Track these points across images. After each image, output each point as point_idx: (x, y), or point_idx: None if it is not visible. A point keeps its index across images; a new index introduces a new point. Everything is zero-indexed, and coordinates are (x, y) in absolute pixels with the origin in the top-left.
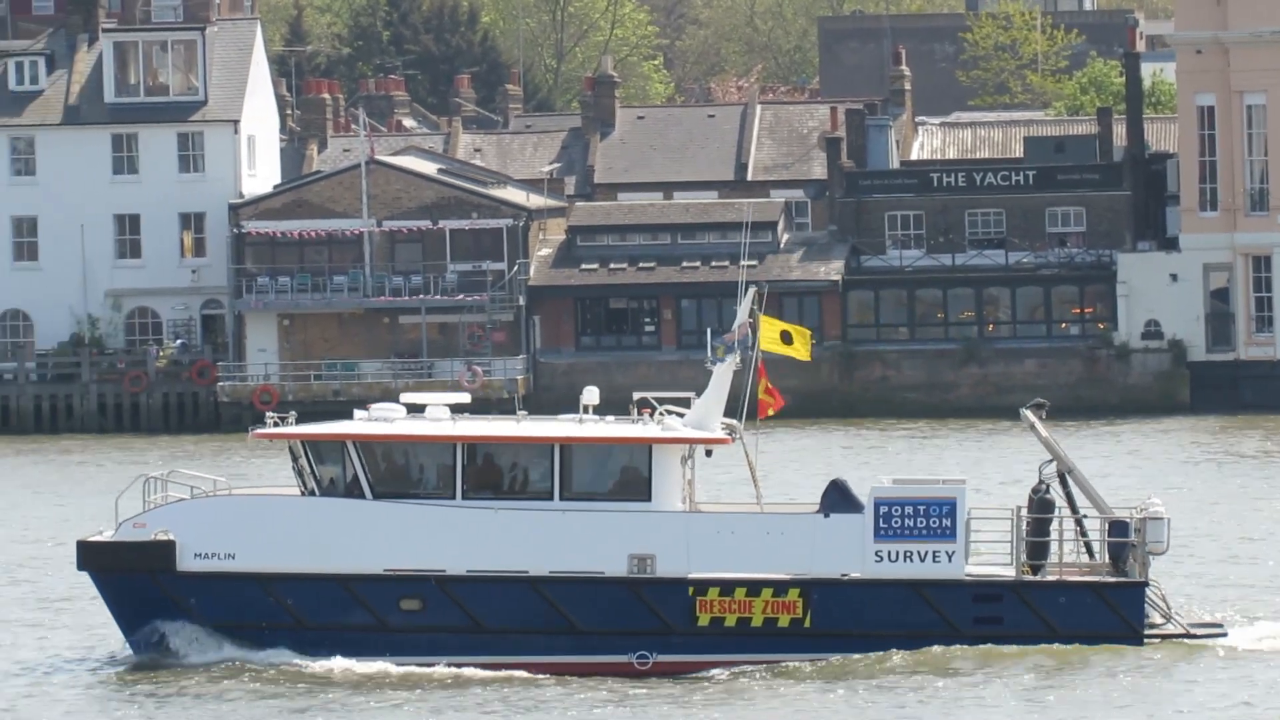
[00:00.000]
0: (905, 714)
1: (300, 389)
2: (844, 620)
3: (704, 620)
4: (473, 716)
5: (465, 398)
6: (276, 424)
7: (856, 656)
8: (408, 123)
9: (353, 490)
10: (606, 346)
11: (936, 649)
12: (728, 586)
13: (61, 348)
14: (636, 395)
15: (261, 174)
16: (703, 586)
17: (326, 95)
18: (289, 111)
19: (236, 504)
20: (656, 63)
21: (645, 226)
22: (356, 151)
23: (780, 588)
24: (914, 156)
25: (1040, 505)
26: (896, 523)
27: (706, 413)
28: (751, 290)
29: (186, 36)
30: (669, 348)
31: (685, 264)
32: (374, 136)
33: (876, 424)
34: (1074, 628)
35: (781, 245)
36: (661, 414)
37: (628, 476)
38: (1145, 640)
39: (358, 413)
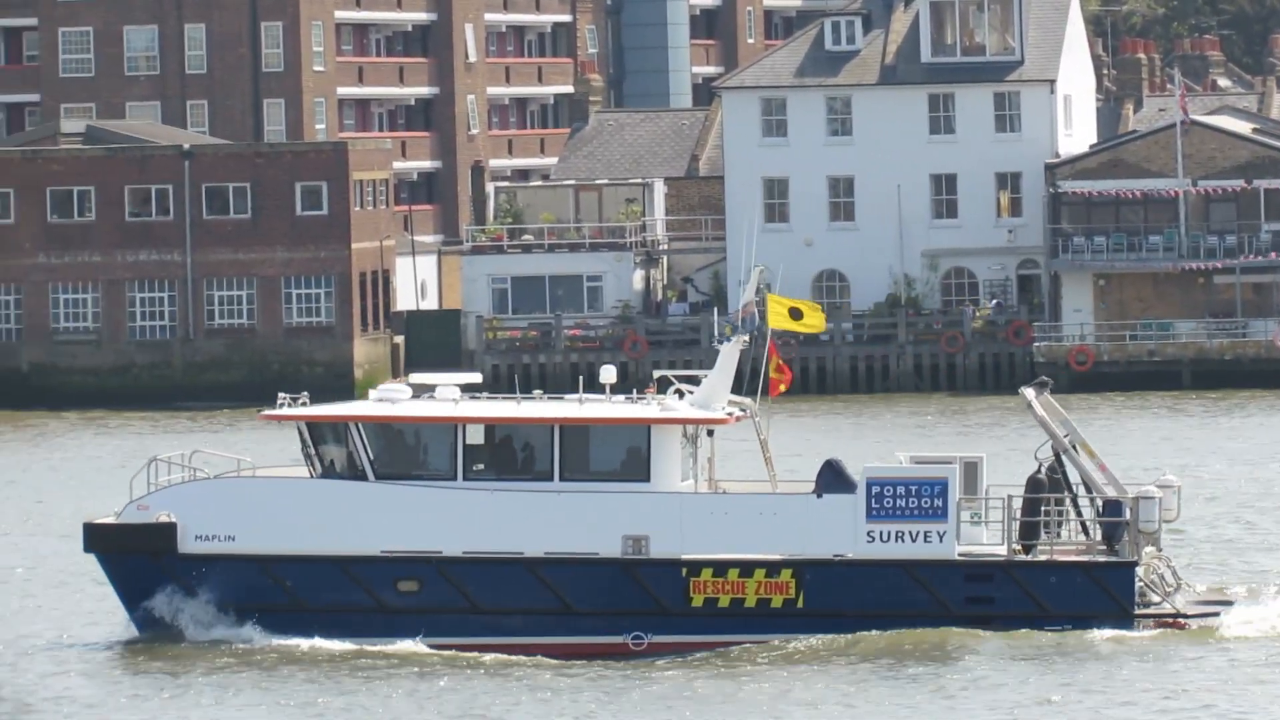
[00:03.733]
0: (897, 694)
1: (1115, 349)
2: (836, 600)
3: (698, 601)
4: (469, 697)
5: (476, 378)
6: (286, 405)
7: (849, 636)
8: (1222, 82)
9: (356, 472)
10: None
11: (928, 629)
12: (721, 567)
13: (878, 308)
14: (656, 373)
15: (1077, 134)
16: (696, 567)
17: (1142, 55)
18: (1105, 71)
19: (238, 486)
20: None
21: None
22: (1171, 111)
23: (773, 568)
24: None
25: (1031, 485)
26: (888, 503)
27: (712, 392)
28: (756, 270)
29: None
30: None
31: None
32: (1188, 96)
33: None
34: (1065, 607)
35: None
36: (676, 392)
37: (627, 457)
38: (1136, 620)
39: (372, 393)
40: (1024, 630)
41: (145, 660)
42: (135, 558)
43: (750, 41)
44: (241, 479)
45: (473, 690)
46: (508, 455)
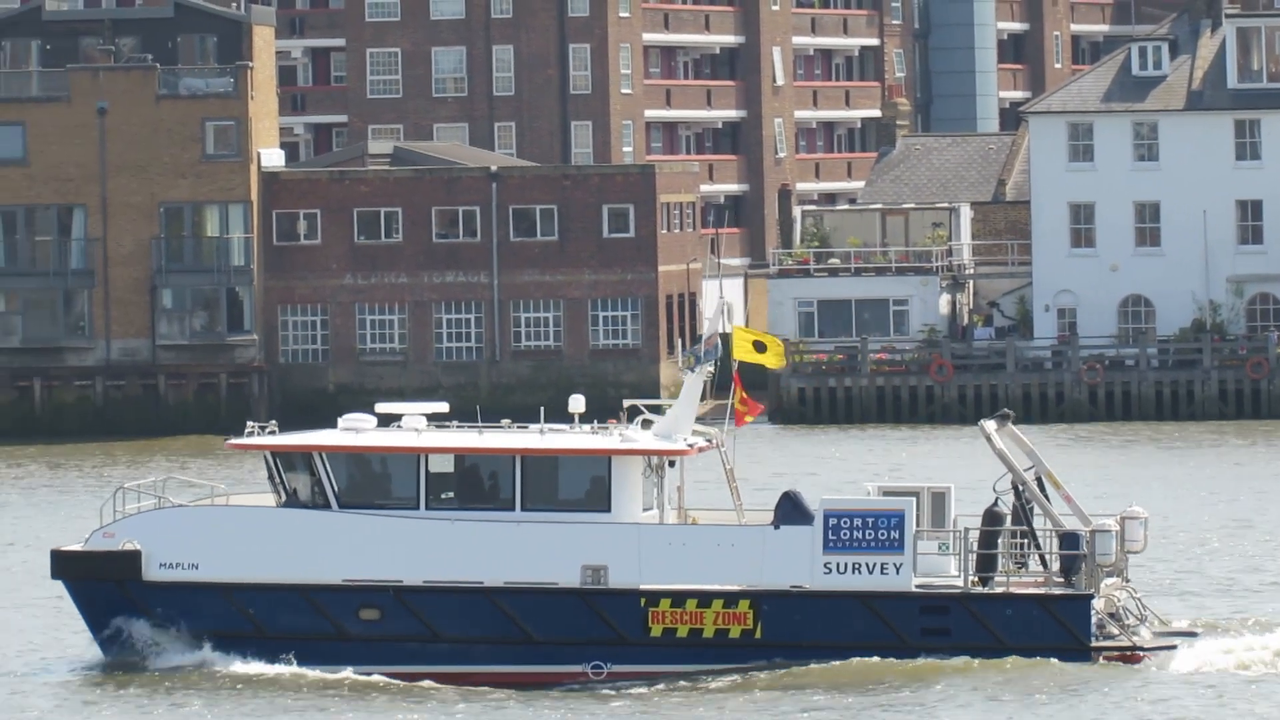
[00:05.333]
0: None
1: None
2: (794, 631)
3: (656, 631)
4: None
5: (443, 407)
6: (255, 434)
7: (806, 667)
8: None
9: (320, 501)
10: None
11: (885, 660)
12: (679, 597)
13: (1183, 333)
14: (626, 403)
15: None
16: (655, 597)
17: None
18: None
19: (202, 514)
20: None
21: None
22: None
23: (731, 599)
24: None
25: (989, 518)
26: (845, 535)
27: (676, 422)
28: (721, 301)
29: None
30: None
31: None
32: None
33: None
34: (1021, 640)
35: None
36: (644, 422)
37: (588, 487)
38: (1091, 652)
39: (340, 421)
40: (979, 662)
41: (109, 688)
42: (100, 585)
43: (1057, 66)
44: (206, 507)
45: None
46: (470, 485)
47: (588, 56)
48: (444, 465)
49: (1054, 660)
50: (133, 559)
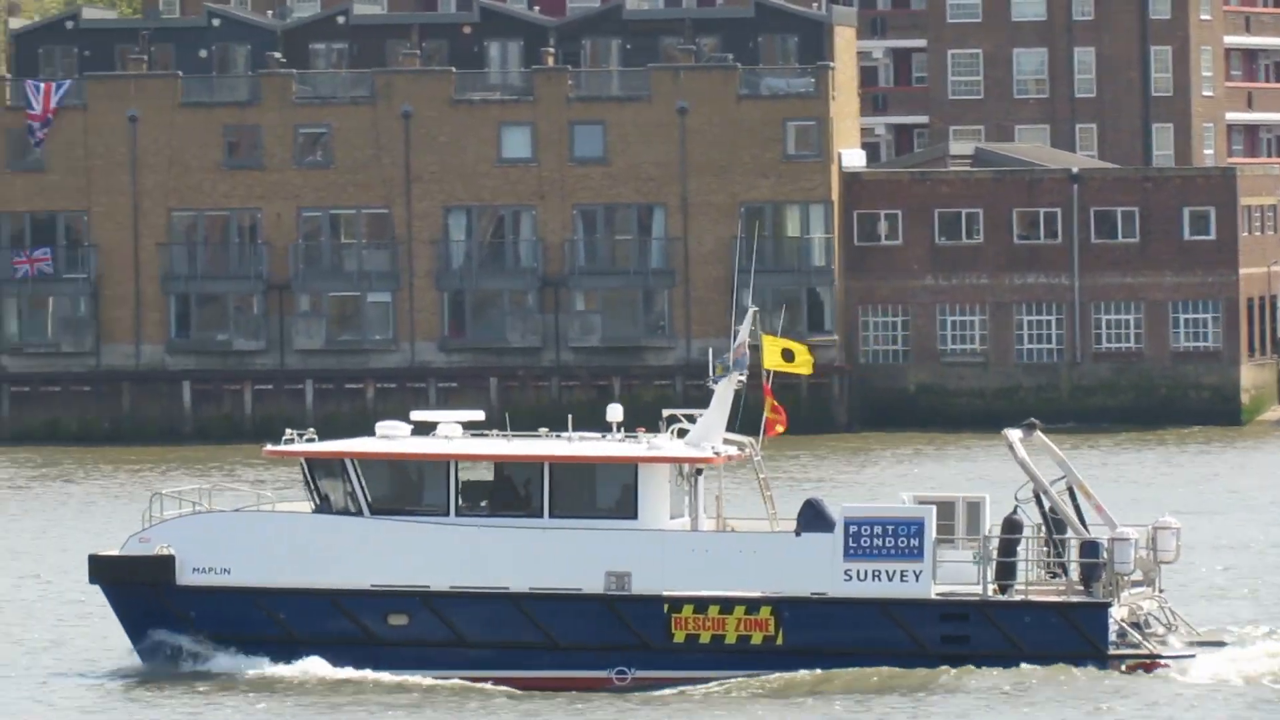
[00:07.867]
0: None
1: None
2: (814, 638)
3: (679, 637)
4: None
5: (479, 415)
6: (291, 441)
7: (826, 674)
8: None
9: (352, 507)
10: None
11: (904, 667)
12: (702, 604)
13: None
14: (666, 413)
15: None
16: (677, 604)
17: None
18: None
19: (234, 520)
20: None
21: None
22: None
23: (753, 605)
24: None
25: (1008, 526)
26: (865, 542)
27: (707, 430)
28: (752, 311)
29: None
30: None
31: None
32: None
33: None
34: (1039, 647)
35: None
36: (679, 431)
37: (615, 495)
38: (1110, 660)
39: (378, 428)
40: (998, 669)
41: (143, 691)
42: (136, 589)
43: None
44: (238, 512)
45: None
46: (500, 492)
47: (1169, 59)
48: (474, 473)
49: (1071, 667)
50: (166, 564)
